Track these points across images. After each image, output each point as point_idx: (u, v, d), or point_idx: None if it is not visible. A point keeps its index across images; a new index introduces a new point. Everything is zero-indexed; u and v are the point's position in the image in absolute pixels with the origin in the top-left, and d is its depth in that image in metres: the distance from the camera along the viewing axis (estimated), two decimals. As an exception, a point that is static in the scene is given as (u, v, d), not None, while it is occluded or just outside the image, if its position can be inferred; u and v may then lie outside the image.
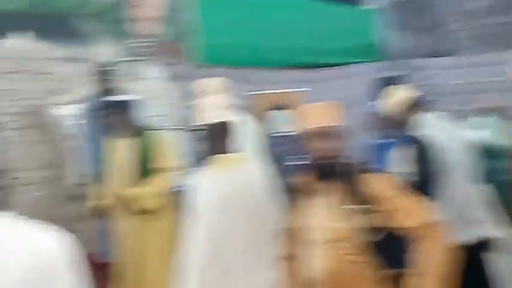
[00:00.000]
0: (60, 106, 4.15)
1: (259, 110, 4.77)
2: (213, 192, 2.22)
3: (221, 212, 2.20)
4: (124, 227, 3.53)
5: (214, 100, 2.43)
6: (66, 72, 4.32)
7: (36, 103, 4.14)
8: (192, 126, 2.30)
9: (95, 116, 4.02)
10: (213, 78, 3.72)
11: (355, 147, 2.76)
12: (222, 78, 3.68)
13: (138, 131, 3.52)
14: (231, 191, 2.23)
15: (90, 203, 3.73)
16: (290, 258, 2.13)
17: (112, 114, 3.54)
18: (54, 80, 4.25)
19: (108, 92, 4.05)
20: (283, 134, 4.66)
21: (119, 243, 3.55)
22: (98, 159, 4.01)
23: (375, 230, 1.94)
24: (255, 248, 2.24)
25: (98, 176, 3.76)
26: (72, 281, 1.26)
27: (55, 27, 4.62)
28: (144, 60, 5.24)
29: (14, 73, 4.04)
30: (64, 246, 1.26)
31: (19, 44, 4.11)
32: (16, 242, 1.22)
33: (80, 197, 4.15)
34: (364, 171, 2.05)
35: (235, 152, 2.38)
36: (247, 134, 3.51)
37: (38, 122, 4.13)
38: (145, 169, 3.46)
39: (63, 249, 1.25)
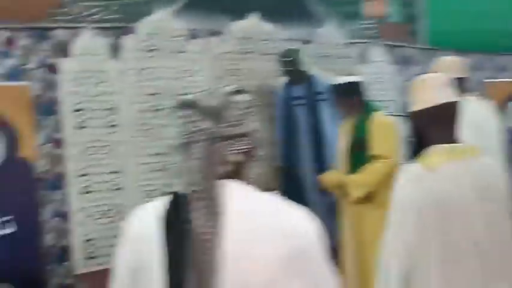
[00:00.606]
0: (284, 86, 4.23)
1: (497, 99, 4.23)
2: (424, 191, 1.79)
3: (439, 212, 1.77)
4: (344, 212, 3.51)
5: (441, 79, 2.01)
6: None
7: (262, 82, 4.26)
8: (412, 111, 1.98)
9: (291, 102, 4.14)
10: (447, 57, 3.41)
11: None
12: (457, 58, 3.33)
13: (364, 115, 3.40)
14: (453, 189, 1.79)
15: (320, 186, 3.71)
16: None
17: (340, 97, 3.46)
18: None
19: (298, 77, 4.09)
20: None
21: (341, 228, 3.55)
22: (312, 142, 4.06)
23: None
24: (490, 258, 1.82)
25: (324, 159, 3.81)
26: (326, 262, 1.21)
27: (285, 8, 4.71)
28: (371, 42, 5.08)
29: (240, 53, 4.19)
30: (317, 227, 1.22)
31: (247, 25, 4.23)
32: (272, 216, 1.18)
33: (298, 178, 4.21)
34: None
35: (461, 142, 1.97)
36: (480, 124, 3.09)
37: (263, 101, 4.27)
38: (366, 154, 3.34)
39: (317, 230, 1.21)
